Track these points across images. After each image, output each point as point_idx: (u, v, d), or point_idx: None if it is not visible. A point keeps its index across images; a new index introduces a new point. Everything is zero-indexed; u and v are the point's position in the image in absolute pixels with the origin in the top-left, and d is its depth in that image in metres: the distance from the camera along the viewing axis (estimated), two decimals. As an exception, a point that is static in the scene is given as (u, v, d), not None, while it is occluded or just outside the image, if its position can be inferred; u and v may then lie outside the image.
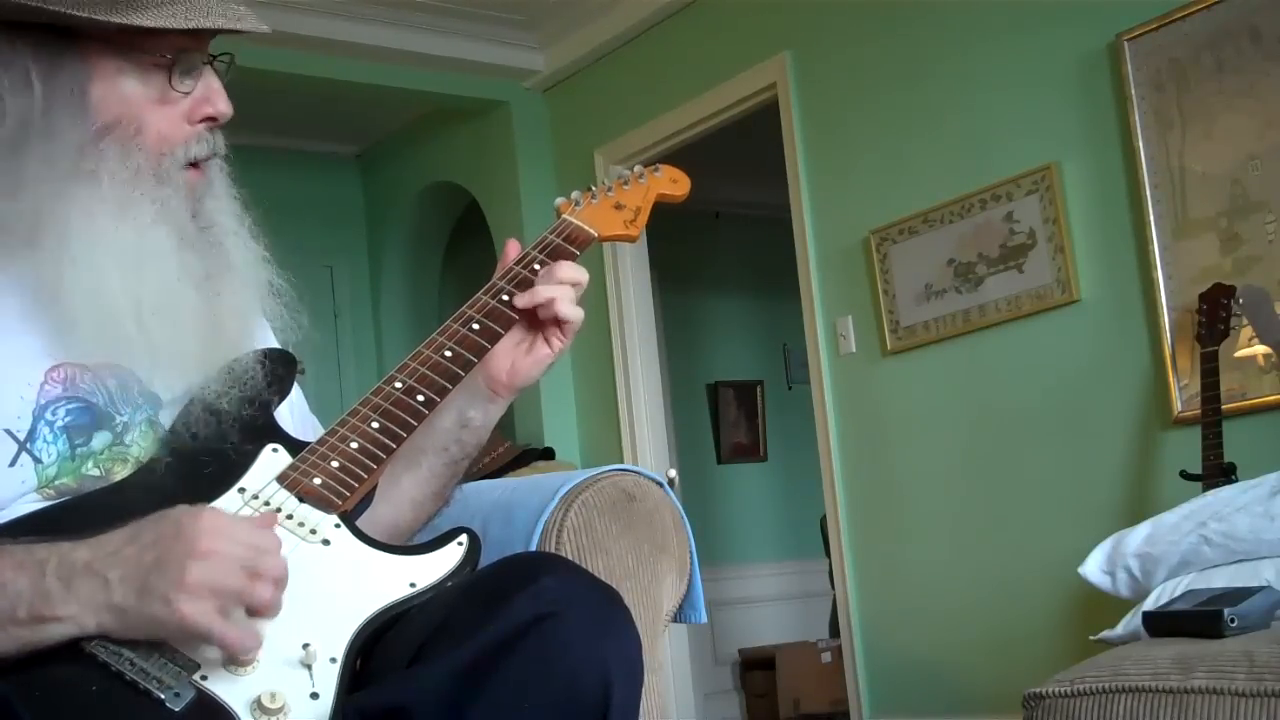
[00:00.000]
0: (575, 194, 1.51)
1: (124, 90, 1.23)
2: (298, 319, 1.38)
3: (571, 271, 1.39)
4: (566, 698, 1.05)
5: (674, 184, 1.57)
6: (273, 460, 1.22)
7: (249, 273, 1.32)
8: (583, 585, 1.12)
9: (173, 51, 1.23)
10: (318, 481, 1.19)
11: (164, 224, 1.24)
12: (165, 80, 1.24)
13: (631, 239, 1.51)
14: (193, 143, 1.26)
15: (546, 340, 1.40)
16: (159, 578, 1.02)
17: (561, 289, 1.37)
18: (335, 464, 1.20)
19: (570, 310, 1.38)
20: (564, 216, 1.47)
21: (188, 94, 1.26)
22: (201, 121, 1.27)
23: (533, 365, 1.40)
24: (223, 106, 1.27)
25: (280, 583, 1.07)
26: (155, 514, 1.06)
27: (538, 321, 1.40)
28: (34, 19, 1.19)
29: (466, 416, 1.39)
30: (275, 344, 1.41)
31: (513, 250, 1.43)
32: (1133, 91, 3.34)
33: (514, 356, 1.39)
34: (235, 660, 1.04)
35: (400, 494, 1.38)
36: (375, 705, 1.06)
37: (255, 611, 1.05)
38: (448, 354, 1.31)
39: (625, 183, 1.54)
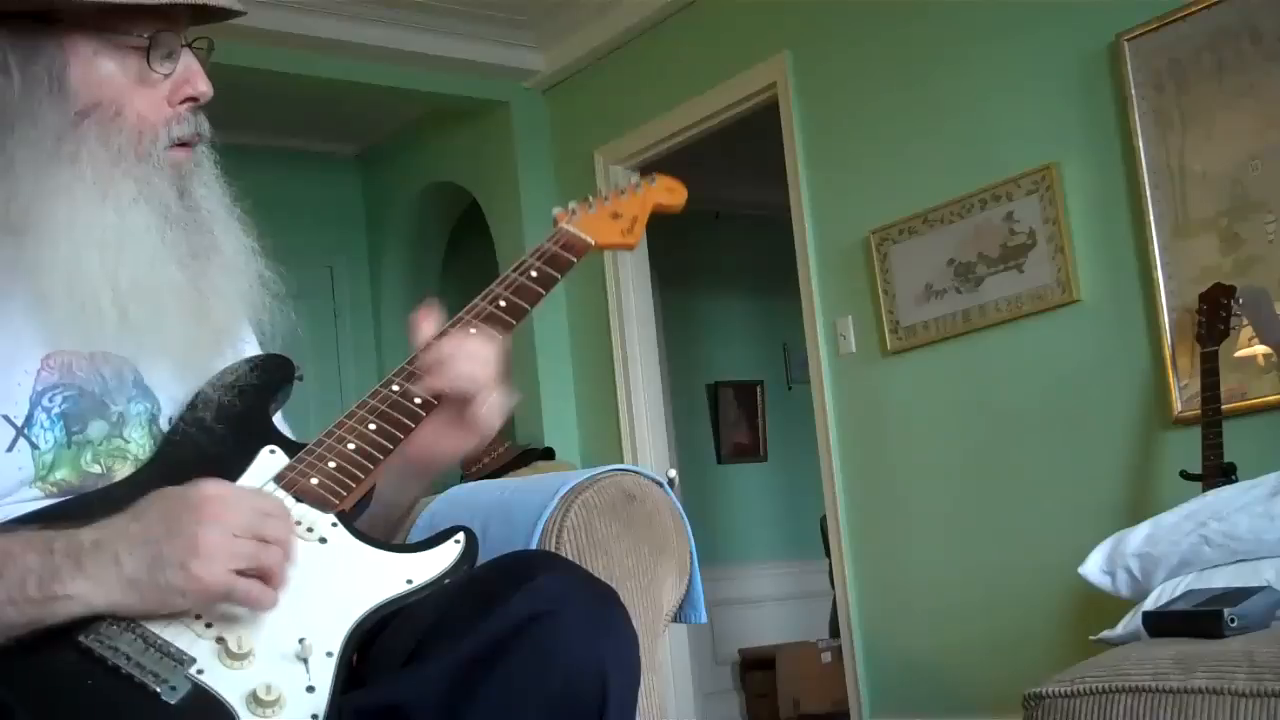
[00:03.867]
0: (572, 204, 1.51)
1: (102, 73, 1.23)
2: (287, 310, 1.38)
3: (472, 345, 1.29)
4: (563, 696, 1.05)
5: (670, 193, 1.58)
6: (270, 461, 1.23)
7: (238, 260, 1.32)
8: (579, 584, 1.12)
9: (149, 32, 1.23)
10: (315, 482, 1.19)
11: (146, 202, 1.24)
12: (143, 61, 1.24)
13: (629, 247, 1.52)
14: (174, 123, 1.26)
15: (472, 422, 1.30)
16: (171, 547, 1.02)
17: (484, 369, 1.28)
18: (332, 464, 1.21)
19: (495, 401, 1.29)
20: (561, 225, 1.47)
21: (167, 76, 1.25)
22: (183, 103, 1.27)
23: (452, 451, 1.32)
24: (203, 86, 1.27)
25: (287, 546, 1.08)
26: (154, 493, 1.07)
27: (463, 404, 1.30)
28: (9, 6, 1.20)
29: (380, 494, 1.31)
30: (257, 335, 1.42)
31: (425, 328, 1.34)
32: (1133, 91, 3.34)
33: (437, 440, 1.31)
34: (256, 607, 1.05)
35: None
36: (372, 704, 1.06)
37: (267, 576, 1.06)
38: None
39: (622, 192, 1.55)
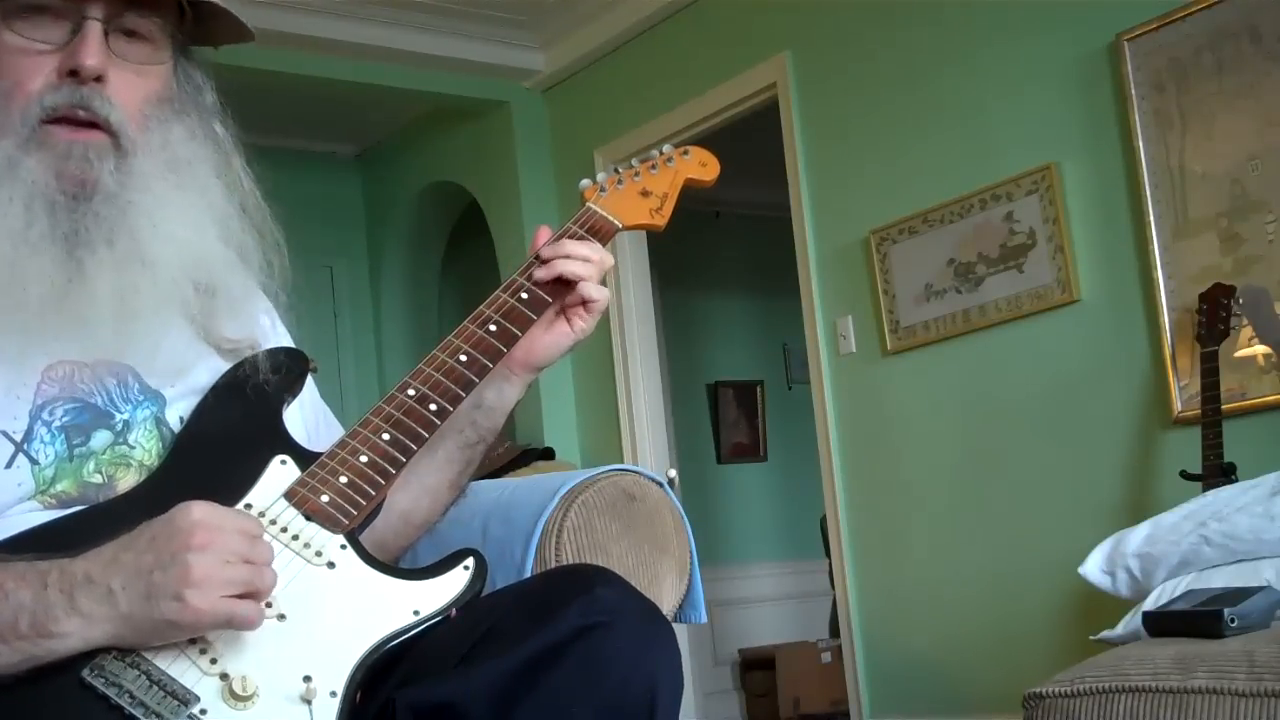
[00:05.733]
0: (601, 177, 1.46)
1: (4, 40, 1.19)
2: (289, 319, 1.37)
3: (581, 248, 1.36)
4: (614, 703, 1.07)
5: (703, 168, 1.52)
6: (280, 474, 1.20)
7: (168, 252, 1.22)
8: (633, 598, 1.14)
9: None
10: (325, 499, 1.16)
11: (12, 181, 1.16)
12: (11, 29, 1.19)
13: (657, 228, 1.46)
14: (48, 94, 1.19)
15: (569, 320, 1.38)
16: (163, 577, 1.00)
17: (586, 267, 1.35)
18: (344, 480, 1.18)
19: (595, 290, 1.36)
20: (588, 205, 1.43)
21: (55, 46, 1.19)
22: (70, 75, 1.19)
23: (551, 345, 1.38)
24: (85, 60, 1.18)
25: (270, 563, 1.07)
26: (144, 523, 1.05)
27: (561, 300, 1.37)
28: None
29: (481, 397, 1.36)
30: (259, 326, 1.39)
31: (542, 238, 1.39)
32: (1133, 91, 3.34)
33: (533, 336, 1.36)
34: (250, 629, 1.04)
35: (417, 480, 1.36)
36: (427, 701, 1.06)
37: (258, 598, 1.05)
38: (462, 359, 1.28)
39: (653, 166, 1.48)
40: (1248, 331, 3.04)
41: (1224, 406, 2.99)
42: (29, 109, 1.18)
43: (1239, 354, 3.12)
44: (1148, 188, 3.32)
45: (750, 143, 4.66)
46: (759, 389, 6.86)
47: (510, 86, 5.25)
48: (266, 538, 1.10)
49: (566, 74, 5.16)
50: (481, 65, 5.08)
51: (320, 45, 4.74)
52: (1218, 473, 2.88)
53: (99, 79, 1.20)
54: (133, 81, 1.23)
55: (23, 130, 1.18)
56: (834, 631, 4.82)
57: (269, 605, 1.07)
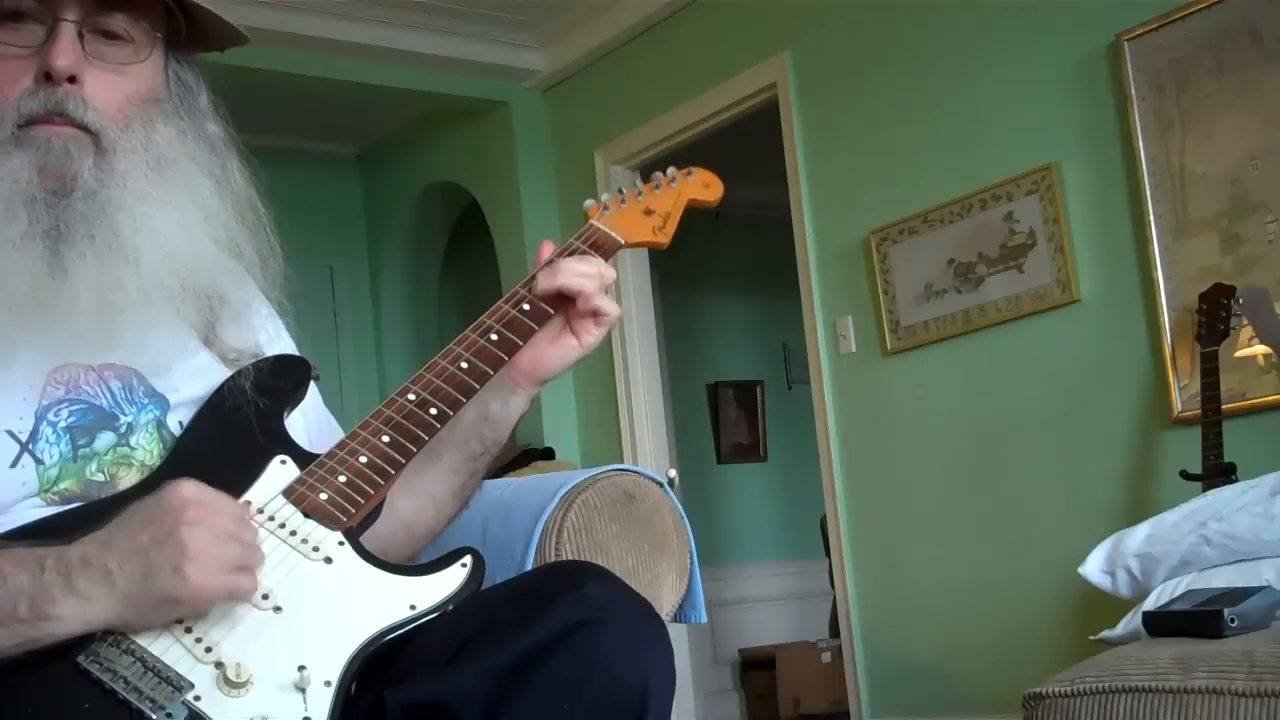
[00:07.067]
0: (605, 196, 1.48)
1: None
2: (288, 318, 1.37)
3: (583, 264, 1.37)
4: (606, 702, 1.06)
5: (706, 189, 1.53)
6: (280, 473, 1.20)
7: (153, 249, 1.22)
8: (626, 595, 1.13)
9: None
10: (324, 497, 1.17)
11: None
12: None
13: (660, 246, 1.48)
14: (24, 99, 1.19)
15: (576, 333, 1.38)
16: (160, 554, 1.01)
17: (586, 281, 1.36)
18: (342, 479, 1.19)
19: (606, 303, 1.37)
20: (591, 222, 1.45)
21: (28, 49, 1.20)
22: (46, 79, 1.20)
23: (557, 357, 1.38)
24: (52, 60, 1.19)
25: (257, 544, 1.08)
26: (134, 503, 1.06)
27: (567, 313, 1.38)
28: None
29: (487, 409, 1.36)
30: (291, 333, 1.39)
31: (546, 252, 1.40)
32: (1133, 91, 3.35)
33: (538, 347, 1.37)
34: (245, 600, 1.05)
35: (422, 488, 1.36)
36: (416, 700, 1.06)
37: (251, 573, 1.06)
38: (463, 365, 1.29)
39: (656, 186, 1.50)
40: (1248, 331, 3.04)
41: (1224, 406, 3.00)
42: (5, 115, 1.19)
43: (1239, 354, 3.13)
44: (1148, 188, 3.32)
45: (750, 143, 4.67)
46: (759, 389, 6.86)
47: (510, 86, 5.25)
48: (264, 533, 1.11)
49: (566, 74, 5.16)
50: (481, 65, 5.08)
51: (320, 45, 4.74)
52: (1218, 473, 2.88)
53: (73, 80, 1.20)
54: (112, 82, 1.23)
55: (1, 133, 1.18)
56: (834, 631, 4.82)
57: (265, 598, 1.08)
